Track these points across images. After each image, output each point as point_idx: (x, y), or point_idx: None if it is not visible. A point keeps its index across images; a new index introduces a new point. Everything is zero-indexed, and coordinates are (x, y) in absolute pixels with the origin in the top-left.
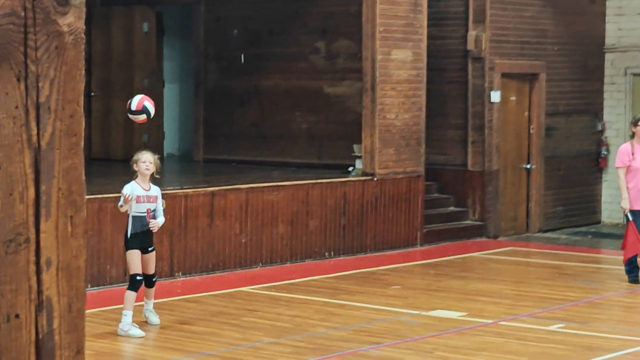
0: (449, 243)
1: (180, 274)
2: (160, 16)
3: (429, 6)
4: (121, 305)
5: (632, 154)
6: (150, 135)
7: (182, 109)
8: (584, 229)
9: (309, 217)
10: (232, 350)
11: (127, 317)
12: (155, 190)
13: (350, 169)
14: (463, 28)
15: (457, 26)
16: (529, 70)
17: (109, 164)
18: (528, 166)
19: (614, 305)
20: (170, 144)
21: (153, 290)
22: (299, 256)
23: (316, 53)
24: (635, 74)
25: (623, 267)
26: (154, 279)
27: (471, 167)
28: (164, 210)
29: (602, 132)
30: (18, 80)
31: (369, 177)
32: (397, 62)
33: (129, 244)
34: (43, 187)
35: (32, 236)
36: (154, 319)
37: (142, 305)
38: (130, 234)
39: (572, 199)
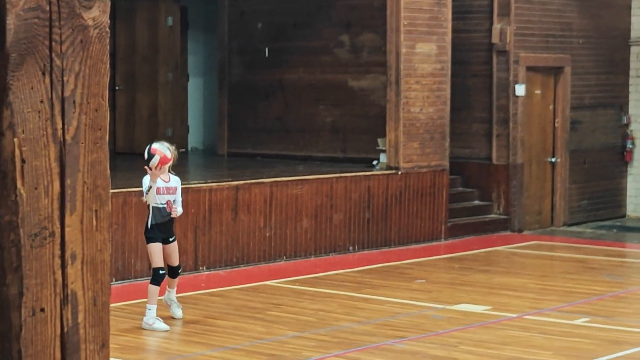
0: (473, 237)
1: (204, 267)
2: (185, 10)
3: None
4: (146, 299)
5: None
6: (174, 129)
7: (207, 103)
8: (608, 222)
9: (333, 211)
10: (256, 344)
11: (152, 311)
12: (175, 182)
13: (375, 162)
14: (488, 21)
15: (481, 19)
16: (554, 64)
17: (133, 158)
18: (553, 160)
19: (639, 299)
20: (194, 138)
21: (176, 280)
22: (323, 250)
23: (340, 46)
24: None
25: None
26: (178, 271)
27: (496, 160)
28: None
29: (627, 125)
30: (43, 74)
31: (393, 171)
32: (422, 55)
33: (150, 236)
34: (68, 181)
35: (57, 230)
36: (178, 311)
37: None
38: (151, 225)
39: (597, 193)
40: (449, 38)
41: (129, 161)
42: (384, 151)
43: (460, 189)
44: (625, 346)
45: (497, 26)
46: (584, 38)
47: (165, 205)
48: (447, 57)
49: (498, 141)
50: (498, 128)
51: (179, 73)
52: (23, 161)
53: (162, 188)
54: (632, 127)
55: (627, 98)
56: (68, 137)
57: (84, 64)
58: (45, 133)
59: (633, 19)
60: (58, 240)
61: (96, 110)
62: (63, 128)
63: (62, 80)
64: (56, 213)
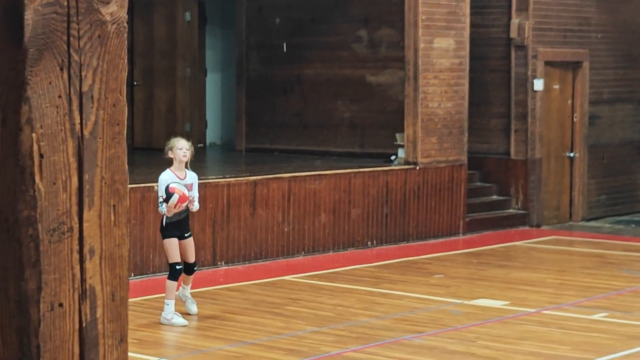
0: (491, 232)
1: (222, 263)
2: (203, 5)
3: None
4: (164, 294)
5: None
6: (192, 124)
7: (225, 98)
8: (627, 217)
9: (351, 206)
10: (274, 339)
11: (170, 306)
12: (191, 178)
13: (393, 157)
14: (506, 16)
15: (499, 14)
16: (572, 58)
17: (151, 153)
18: (571, 154)
19: None
20: (212, 133)
21: (192, 277)
22: (341, 245)
23: (358, 42)
24: None
25: None
26: (194, 268)
27: (514, 155)
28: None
29: None
30: (61, 69)
31: (412, 166)
32: (440, 50)
33: (166, 233)
34: (86, 176)
35: (75, 225)
36: (192, 307)
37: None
38: (166, 222)
39: (615, 188)
40: (467, 33)
41: (147, 156)
42: (402, 146)
43: (479, 184)
44: None
45: (515, 21)
46: (603, 33)
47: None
48: (465, 52)
49: (516, 136)
50: (516, 123)
51: (197, 68)
52: (41, 156)
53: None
54: None
55: None
56: (86, 132)
57: (102, 59)
58: (63, 128)
59: None
60: (76, 235)
61: (114, 105)
62: (81, 123)
63: (80, 76)
64: (74, 208)
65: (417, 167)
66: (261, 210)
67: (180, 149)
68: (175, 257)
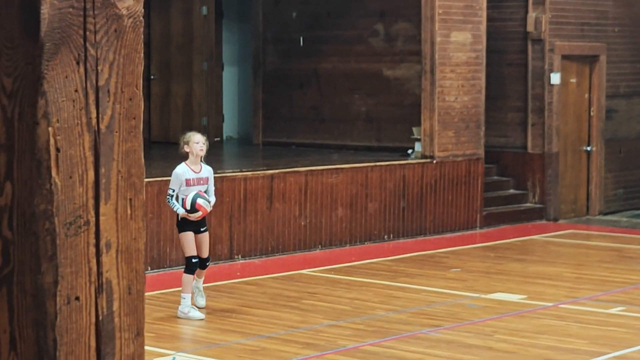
0: (508, 226)
1: (239, 256)
2: None
3: None
4: (180, 288)
5: None
6: (209, 118)
7: (241, 92)
8: None
9: (368, 200)
10: (291, 333)
11: (186, 299)
12: (207, 171)
13: (410, 151)
14: (523, 10)
15: (516, 8)
16: (589, 52)
17: (168, 147)
18: (588, 148)
19: None
20: (229, 127)
21: (204, 271)
22: (358, 239)
23: (375, 35)
24: None
25: None
26: (207, 263)
27: (531, 149)
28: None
29: None
30: (77, 63)
31: (428, 160)
32: (457, 44)
33: (182, 227)
34: (102, 170)
35: (92, 219)
36: (201, 301)
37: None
38: (181, 218)
39: (632, 182)
40: (483, 27)
41: (164, 150)
42: (418, 140)
43: (496, 177)
44: None
45: (532, 14)
46: (620, 26)
47: None
48: (482, 45)
49: (533, 130)
50: (533, 117)
51: (214, 62)
52: (58, 150)
53: (192, 179)
54: None
55: None
56: (102, 126)
57: (118, 53)
58: (79, 122)
59: None
60: (93, 229)
61: (130, 99)
62: (97, 117)
63: (97, 70)
64: (91, 202)
65: (434, 161)
66: (278, 204)
67: (197, 143)
68: (191, 250)
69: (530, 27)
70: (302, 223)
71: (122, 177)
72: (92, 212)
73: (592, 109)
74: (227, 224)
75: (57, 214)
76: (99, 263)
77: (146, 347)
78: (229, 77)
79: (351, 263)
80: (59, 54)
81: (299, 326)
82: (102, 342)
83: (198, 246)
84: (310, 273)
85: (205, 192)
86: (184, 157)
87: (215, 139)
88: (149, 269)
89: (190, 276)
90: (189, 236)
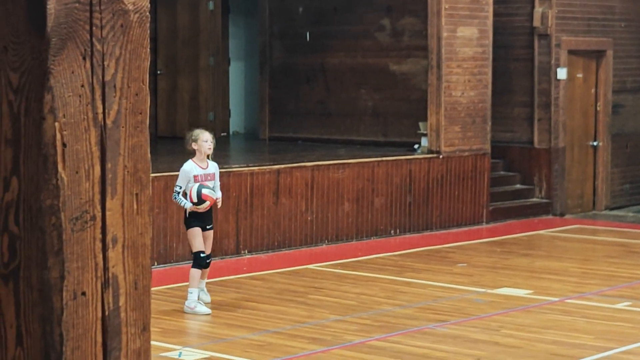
0: (515, 221)
1: (246, 251)
2: None
3: None
4: (187, 283)
5: None
6: (215, 113)
7: (248, 87)
8: None
9: (374, 195)
10: (298, 328)
11: (193, 294)
12: (213, 167)
13: (416, 146)
14: (529, 5)
15: (523, 3)
16: (595, 47)
17: (174, 142)
18: (595, 143)
19: None
20: (235, 122)
21: (207, 271)
22: (364, 234)
23: (381, 30)
24: None
25: None
26: (208, 260)
27: (537, 144)
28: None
29: None
30: (84, 58)
31: (435, 155)
32: (463, 39)
33: (190, 222)
34: (109, 165)
35: (98, 214)
36: (206, 297)
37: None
38: (190, 213)
39: (639, 177)
40: (490, 22)
41: (170, 145)
42: (425, 135)
43: (502, 172)
44: None
45: (538, 9)
46: (626, 21)
47: None
48: (489, 40)
49: (540, 125)
50: (540, 112)
51: (220, 57)
52: (64, 145)
53: (200, 175)
54: None
55: None
56: (109, 121)
57: (124, 48)
58: (86, 117)
59: None
60: (99, 224)
61: (137, 94)
62: (104, 112)
63: (103, 65)
64: (97, 197)
65: (441, 156)
66: (284, 199)
67: (206, 142)
68: (199, 245)
69: (536, 22)
70: (309, 218)
71: (128, 172)
72: (99, 207)
73: (598, 104)
74: (233, 219)
75: (63, 209)
76: (105, 258)
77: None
78: (236, 72)
79: (357, 258)
80: (66, 49)
81: (306, 321)
82: (109, 337)
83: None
84: (317, 268)
85: (212, 188)
86: (191, 153)
87: (222, 134)
88: (155, 263)
89: (198, 271)
90: (196, 232)
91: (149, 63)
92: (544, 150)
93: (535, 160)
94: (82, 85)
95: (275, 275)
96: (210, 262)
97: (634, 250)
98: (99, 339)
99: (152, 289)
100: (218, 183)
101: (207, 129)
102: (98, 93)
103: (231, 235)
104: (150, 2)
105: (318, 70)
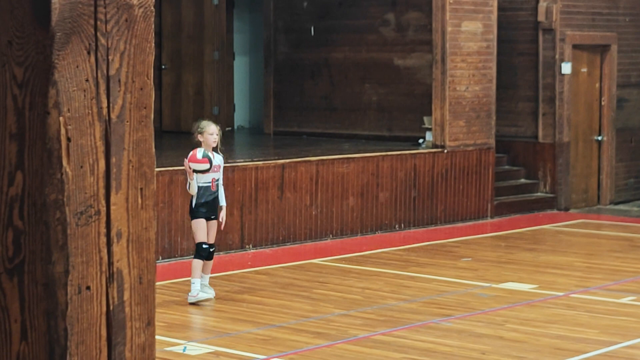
0: (519, 215)
1: (250, 246)
2: None
3: None
4: (191, 281)
5: None
6: (220, 107)
7: (252, 81)
8: None
9: (379, 189)
10: (302, 322)
11: (195, 284)
12: (219, 159)
13: (421, 141)
14: None
15: None
16: (600, 42)
17: (179, 136)
18: (599, 138)
19: None
20: (240, 117)
21: (211, 263)
22: (369, 228)
23: (386, 25)
24: None
25: None
26: (212, 250)
27: (542, 139)
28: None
29: None
30: (88, 53)
31: (439, 149)
32: (467, 33)
33: (194, 213)
34: (113, 160)
35: (103, 208)
36: (209, 291)
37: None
38: (195, 204)
39: None
40: (494, 16)
41: (175, 140)
42: (429, 129)
43: (507, 167)
44: None
45: (543, 4)
46: (631, 16)
47: (210, 184)
48: (493, 35)
49: (544, 119)
50: (544, 106)
51: (225, 52)
52: (68, 140)
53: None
54: None
55: None
56: (113, 116)
57: (129, 42)
58: (90, 112)
59: None
60: (104, 219)
61: (141, 88)
62: (108, 107)
63: (107, 59)
64: (102, 191)
65: (445, 151)
66: (289, 194)
67: (211, 134)
68: (202, 237)
69: (541, 17)
70: (313, 212)
71: (133, 166)
72: (103, 202)
73: (603, 98)
74: (238, 214)
75: (68, 203)
76: (109, 253)
77: (157, 337)
78: (240, 67)
79: (362, 252)
80: (70, 43)
81: (310, 315)
82: (113, 332)
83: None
84: (321, 262)
85: (217, 180)
86: (197, 144)
87: (227, 129)
88: (160, 258)
89: (200, 262)
90: (201, 223)
91: (153, 57)
92: (548, 145)
93: (540, 154)
94: (87, 80)
95: (280, 269)
96: (213, 252)
97: (638, 244)
98: (104, 333)
99: (157, 283)
100: (221, 176)
101: (202, 121)
102: (102, 87)
103: (236, 229)
104: None
105: (323, 64)
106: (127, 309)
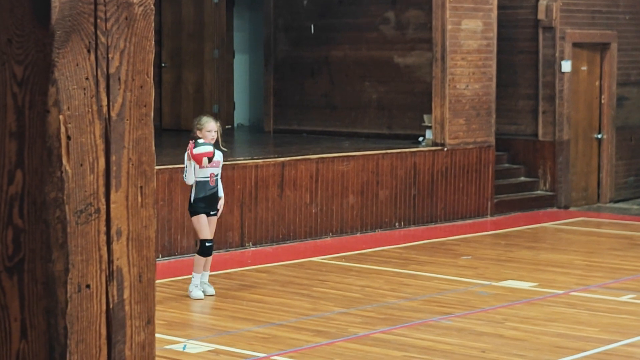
0: (519, 213)
1: (250, 244)
2: None
3: None
4: (192, 276)
5: None
6: (220, 105)
7: (252, 79)
8: None
9: (379, 188)
10: (302, 320)
11: (195, 279)
12: (219, 155)
13: (421, 139)
14: None
15: None
16: (600, 40)
17: (179, 134)
18: (599, 136)
19: None
20: (240, 115)
21: (210, 259)
22: (369, 226)
23: (386, 23)
24: None
25: None
26: (210, 244)
27: (542, 137)
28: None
29: None
30: (88, 51)
31: (439, 148)
32: (468, 31)
33: (194, 209)
34: (113, 158)
35: (103, 207)
36: (209, 289)
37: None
38: (194, 199)
39: None
40: (494, 14)
41: (175, 138)
42: (429, 127)
43: (507, 165)
44: None
45: (543, 2)
46: (631, 14)
47: (208, 179)
48: (493, 33)
49: (544, 118)
50: (544, 104)
51: (225, 50)
52: (68, 138)
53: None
54: None
55: None
56: (113, 114)
57: (129, 41)
58: (90, 110)
59: None
60: (103, 217)
61: (141, 87)
62: (108, 105)
63: (107, 58)
64: (101, 190)
65: (445, 149)
66: (289, 192)
67: (209, 132)
68: (204, 233)
69: (541, 15)
70: (313, 210)
71: (132, 164)
72: (103, 200)
73: (602, 96)
74: (238, 212)
75: (67, 201)
76: (109, 251)
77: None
78: (240, 65)
79: (362, 250)
80: (70, 41)
81: (310, 314)
82: (113, 330)
83: None
84: (321, 260)
85: (216, 175)
86: (196, 138)
87: (227, 127)
88: (160, 256)
89: (202, 258)
90: (202, 219)
91: (153, 56)
92: (548, 143)
93: (540, 152)
94: (87, 78)
95: (280, 267)
96: (212, 247)
97: (638, 242)
98: (104, 331)
99: (157, 281)
100: (220, 172)
101: (203, 117)
102: (102, 86)
103: (236, 227)
104: None
105: (323, 62)
106: (127, 307)
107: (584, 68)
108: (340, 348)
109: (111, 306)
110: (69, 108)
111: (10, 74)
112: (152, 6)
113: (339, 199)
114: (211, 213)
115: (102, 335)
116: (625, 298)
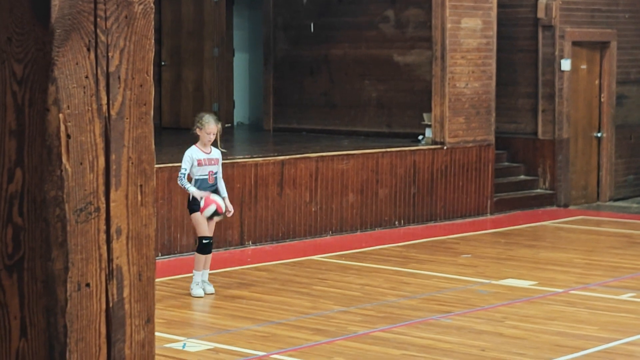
0: (519, 212)
1: (250, 242)
2: None
3: None
4: (191, 274)
5: None
6: (220, 104)
7: (252, 78)
8: None
9: (378, 186)
10: (302, 319)
11: (195, 277)
12: (217, 153)
13: (420, 137)
14: None
15: None
16: (599, 39)
17: (179, 133)
18: (599, 135)
19: None
20: (240, 113)
21: (209, 257)
22: (368, 225)
23: (385, 22)
24: None
25: None
26: (209, 241)
27: (541, 135)
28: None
29: None
30: (88, 50)
31: (439, 146)
32: (467, 30)
33: (193, 207)
34: (113, 157)
35: (102, 205)
36: (209, 288)
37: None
38: (193, 197)
39: None
40: (494, 13)
41: (174, 136)
42: (429, 126)
43: (506, 163)
44: None
45: (542, 1)
46: (630, 12)
47: (207, 176)
48: (493, 32)
49: (544, 116)
50: (544, 103)
51: (225, 48)
52: (68, 136)
53: (204, 159)
54: None
55: None
56: (113, 113)
57: (128, 39)
58: (90, 108)
59: None
60: (103, 216)
61: (141, 85)
62: (108, 103)
63: (107, 56)
64: (101, 188)
65: (445, 147)
66: (289, 190)
67: (208, 134)
68: (204, 231)
69: (540, 14)
70: (313, 209)
71: (132, 163)
72: (103, 199)
73: (602, 95)
74: (237, 210)
75: (67, 200)
76: (109, 249)
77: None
78: (240, 63)
79: (362, 249)
80: (70, 40)
81: (310, 312)
82: (113, 329)
83: None
84: (321, 259)
85: (215, 173)
86: (195, 138)
87: (226, 125)
88: (160, 255)
89: (202, 256)
90: (200, 217)
91: (153, 54)
92: (548, 142)
93: (540, 151)
94: (87, 77)
95: (280, 266)
96: (211, 245)
97: (637, 241)
98: (103, 330)
99: (156, 280)
100: (221, 170)
101: (204, 115)
102: (102, 84)
103: (235, 226)
104: None
105: (322, 61)
106: (126, 306)
107: (584, 66)
108: (340, 346)
109: (111, 305)
110: (68, 106)
111: (10, 72)
112: (152, 5)
113: (339, 197)
114: None
115: (102, 333)
116: (624, 296)
